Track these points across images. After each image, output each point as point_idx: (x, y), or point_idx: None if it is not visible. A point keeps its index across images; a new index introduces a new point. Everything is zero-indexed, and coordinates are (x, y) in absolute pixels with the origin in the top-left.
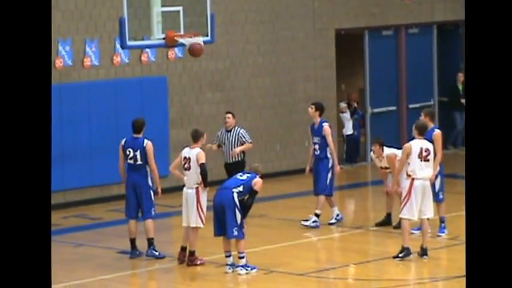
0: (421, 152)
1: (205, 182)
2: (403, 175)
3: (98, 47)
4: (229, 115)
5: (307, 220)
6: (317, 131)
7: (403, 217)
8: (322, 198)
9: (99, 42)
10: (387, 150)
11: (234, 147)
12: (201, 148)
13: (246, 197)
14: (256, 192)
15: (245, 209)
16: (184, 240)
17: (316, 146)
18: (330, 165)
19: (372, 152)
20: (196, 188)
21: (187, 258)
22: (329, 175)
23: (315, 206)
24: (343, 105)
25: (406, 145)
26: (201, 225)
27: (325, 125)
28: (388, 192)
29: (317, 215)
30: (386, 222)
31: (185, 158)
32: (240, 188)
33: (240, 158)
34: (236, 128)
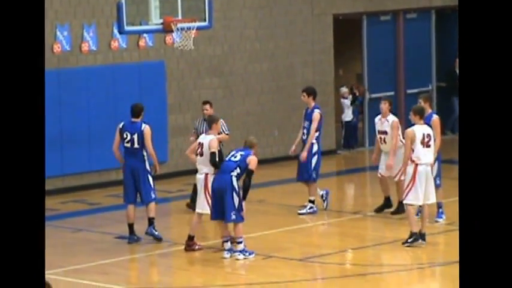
0: (423, 138)
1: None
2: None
3: (95, 32)
4: (207, 106)
5: (303, 207)
6: (308, 116)
7: (408, 203)
8: (312, 184)
9: (96, 28)
10: (393, 117)
11: None
12: (218, 134)
13: (243, 178)
14: (252, 171)
15: (244, 190)
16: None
17: (305, 131)
18: (313, 150)
19: (378, 116)
20: (206, 174)
21: (186, 242)
22: (313, 161)
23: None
24: (344, 90)
25: (409, 131)
26: (208, 212)
27: (316, 111)
28: (381, 177)
29: (311, 201)
30: (386, 206)
31: (199, 143)
32: (238, 170)
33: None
34: None
